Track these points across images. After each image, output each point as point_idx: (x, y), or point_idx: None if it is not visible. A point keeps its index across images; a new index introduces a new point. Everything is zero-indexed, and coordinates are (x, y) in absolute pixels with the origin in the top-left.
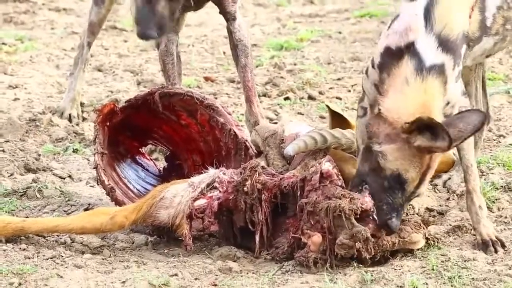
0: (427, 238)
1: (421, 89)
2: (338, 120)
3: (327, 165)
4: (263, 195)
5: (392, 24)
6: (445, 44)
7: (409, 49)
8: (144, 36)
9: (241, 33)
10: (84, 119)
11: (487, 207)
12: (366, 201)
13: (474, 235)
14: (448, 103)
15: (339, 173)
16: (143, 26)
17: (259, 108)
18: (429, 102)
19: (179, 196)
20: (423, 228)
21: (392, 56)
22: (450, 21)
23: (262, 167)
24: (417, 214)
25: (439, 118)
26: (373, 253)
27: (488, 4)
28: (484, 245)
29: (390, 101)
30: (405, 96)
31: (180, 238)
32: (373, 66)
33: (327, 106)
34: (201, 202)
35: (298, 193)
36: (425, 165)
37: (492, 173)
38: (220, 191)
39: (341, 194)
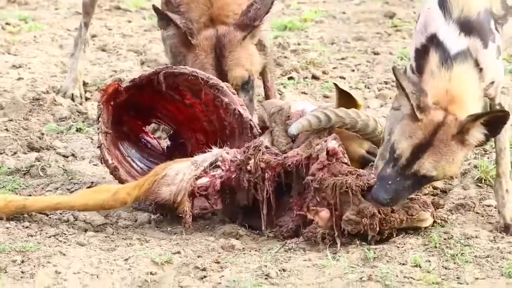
0: (434, 219)
1: (445, 79)
2: (345, 99)
3: (333, 143)
4: (266, 174)
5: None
6: (466, 27)
7: (432, 41)
8: None
9: (260, 34)
10: (87, 98)
11: (490, 185)
12: (372, 177)
13: (477, 213)
14: (492, 82)
15: (345, 151)
16: None
17: None
18: (454, 90)
19: (181, 174)
20: (431, 207)
21: (421, 55)
22: (467, 3)
23: (266, 147)
24: (425, 194)
25: (471, 102)
26: (379, 230)
27: None
28: (506, 229)
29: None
30: (430, 88)
31: (182, 216)
32: (412, 72)
33: (335, 84)
34: (204, 180)
35: (303, 171)
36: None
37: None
38: (222, 170)
39: (348, 171)
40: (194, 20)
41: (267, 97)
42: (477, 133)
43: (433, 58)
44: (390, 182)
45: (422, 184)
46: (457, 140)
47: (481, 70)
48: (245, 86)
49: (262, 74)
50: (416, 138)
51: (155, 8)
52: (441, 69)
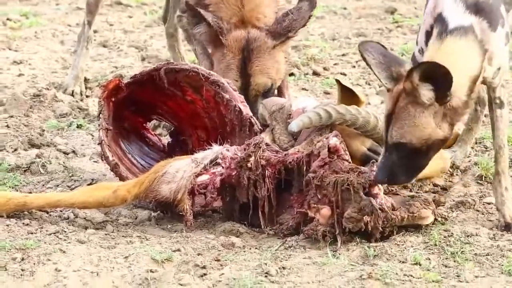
0: (435, 216)
1: (434, 49)
2: (347, 95)
3: (334, 140)
4: (266, 171)
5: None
6: (473, 6)
7: (437, 19)
8: None
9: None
10: (87, 96)
11: (490, 182)
12: (374, 174)
13: (477, 210)
14: (499, 68)
15: (346, 148)
16: None
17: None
18: (438, 60)
19: (181, 171)
20: (432, 205)
21: (429, 36)
22: None
23: (266, 144)
24: (426, 192)
25: (460, 75)
26: (381, 228)
27: None
28: (506, 227)
29: None
30: (421, 60)
31: (182, 214)
32: (421, 55)
33: (337, 81)
34: (204, 178)
35: (304, 168)
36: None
37: None
38: (223, 167)
39: (349, 168)
40: (225, 20)
41: (279, 90)
42: (424, 91)
43: (433, 33)
44: (383, 160)
45: (410, 156)
46: (411, 103)
47: (486, 51)
48: (266, 93)
49: None
50: (386, 110)
51: (188, 5)
52: (435, 41)
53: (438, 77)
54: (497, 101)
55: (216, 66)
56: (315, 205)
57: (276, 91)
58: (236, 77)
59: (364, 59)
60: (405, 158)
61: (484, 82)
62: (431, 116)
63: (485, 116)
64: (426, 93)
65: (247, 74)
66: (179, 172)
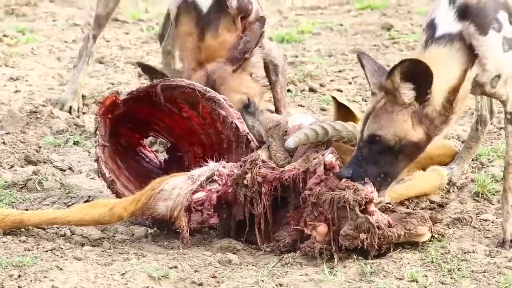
0: (432, 233)
1: (417, 57)
2: (343, 112)
3: (330, 157)
4: (263, 188)
5: None
6: (463, 11)
7: (428, 25)
8: None
9: (272, 55)
10: (83, 113)
11: (487, 199)
12: (370, 191)
13: (474, 227)
14: (498, 75)
15: (342, 165)
16: None
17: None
18: None
19: (178, 189)
20: (429, 222)
21: None
22: None
23: (263, 161)
24: (423, 209)
25: (436, 84)
26: (377, 245)
27: None
28: (503, 244)
29: None
30: None
31: (179, 231)
32: None
33: (333, 97)
34: (200, 195)
35: (300, 185)
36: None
37: (493, 165)
38: (219, 184)
39: (345, 186)
40: (186, 69)
41: (277, 109)
42: (405, 91)
43: (421, 40)
44: (355, 162)
45: (381, 152)
46: (391, 101)
47: (476, 56)
48: (248, 109)
49: (272, 88)
50: (366, 110)
51: (140, 64)
52: (420, 49)
53: (418, 74)
54: (509, 116)
55: None
56: (312, 222)
57: (274, 109)
58: None
59: (361, 62)
60: (376, 154)
61: (486, 93)
62: (409, 115)
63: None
64: (407, 92)
65: None
66: (175, 190)
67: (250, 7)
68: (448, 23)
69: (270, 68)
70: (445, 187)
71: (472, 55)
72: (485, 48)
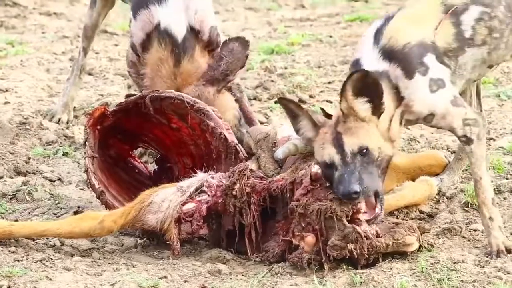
0: (420, 243)
1: None
2: None
3: (316, 168)
4: (252, 198)
5: None
6: (388, 54)
7: (353, 64)
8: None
9: None
10: (73, 124)
11: (476, 209)
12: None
13: (463, 237)
14: (431, 114)
15: None
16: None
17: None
18: None
19: (167, 201)
20: (417, 232)
21: None
22: (396, 35)
23: (251, 171)
24: (412, 219)
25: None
26: (366, 255)
27: (464, 18)
28: (491, 254)
29: None
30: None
31: (169, 242)
32: None
33: (321, 109)
34: (190, 206)
35: (288, 195)
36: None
37: None
38: (208, 195)
39: (332, 196)
40: None
41: (250, 120)
42: (360, 105)
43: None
44: (343, 173)
45: (369, 162)
46: (353, 121)
47: (402, 98)
48: (240, 123)
49: (241, 104)
50: (327, 140)
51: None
52: None
53: (369, 86)
54: (463, 139)
55: None
56: (299, 233)
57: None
58: None
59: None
60: (369, 166)
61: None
62: (375, 129)
63: None
64: (362, 107)
65: None
66: (165, 202)
67: (219, 39)
68: (374, 61)
69: (232, 87)
70: (435, 197)
71: (398, 96)
72: (410, 91)
